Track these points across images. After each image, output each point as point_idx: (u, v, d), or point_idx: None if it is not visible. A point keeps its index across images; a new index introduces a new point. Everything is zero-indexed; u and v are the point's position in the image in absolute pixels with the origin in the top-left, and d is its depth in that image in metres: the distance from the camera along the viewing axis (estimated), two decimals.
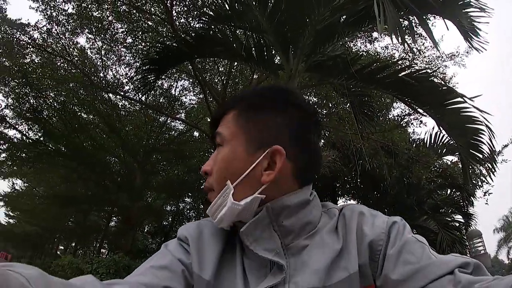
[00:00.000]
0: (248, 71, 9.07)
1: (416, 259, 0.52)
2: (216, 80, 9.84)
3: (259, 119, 0.62)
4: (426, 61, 9.32)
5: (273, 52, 5.09)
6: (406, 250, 0.54)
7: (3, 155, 12.45)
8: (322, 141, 8.32)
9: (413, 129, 10.75)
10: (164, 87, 10.31)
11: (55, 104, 10.18)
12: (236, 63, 8.43)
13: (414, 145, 9.04)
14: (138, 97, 9.24)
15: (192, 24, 8.07)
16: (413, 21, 4.35)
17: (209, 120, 9.20)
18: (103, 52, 9.63)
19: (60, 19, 8.97)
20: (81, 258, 11.08)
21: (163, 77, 6.66)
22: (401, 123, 9.59)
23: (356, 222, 0.61)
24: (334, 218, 0.65)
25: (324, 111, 9.33)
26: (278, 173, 0.58)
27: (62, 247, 22.38)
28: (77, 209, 14.09)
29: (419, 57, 9.09)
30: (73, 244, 19.59)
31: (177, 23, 7.92)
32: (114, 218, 16.05)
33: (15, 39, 9.31)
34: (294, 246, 0.60)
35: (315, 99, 9.50)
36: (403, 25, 4.23)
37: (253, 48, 4.85)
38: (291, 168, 0.60)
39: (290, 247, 0.60)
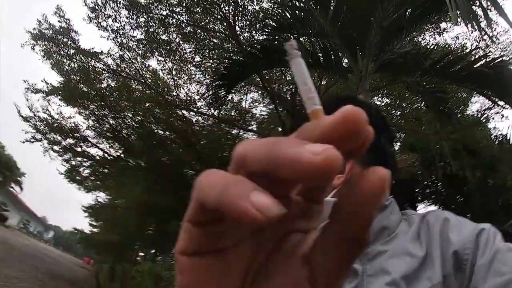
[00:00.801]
0: (316, 77, 9.16)
1: (509, 269, 0.48)
2: (285, 90, 10.03)
3: None
4: (500, 48, 8.55)
5: (340, 55, 5.09)
6: (498, 260, 0.50)
7: (87, 171, 14.05)
8: (398, 144, 8.01)
9: (495, 125, 9.85)
10: (235, 101, 10.75)
11: (133, 123, 11.16)
12: None
13: (496, 142, 8.28)
14: (210, 112, 9.76)
15: (256, 37, 8.40)
16: (485, 4, 4.06)
17: (280, 130, 9.35)
18: (174, 72, 10.35)
19: (131, 45, 9.89)
20: (160, 265, 11.82)
21: (233, 91, 7.02)
22: (481, 119, 8.86)
23: (440, 229, 0.58)
24: (415, 225, 0.62)
25: (398, 112, 8.99)
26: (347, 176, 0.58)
27: (142, 254, 24.04)
28: (157, 219, 15.12)
29: (492, 45, 8.39)
30: (153, 251, 20.90)
31: (241, 38, 8.30)
32: None
33: (91, 66, 10.40)
34: (371, 251, 0.59)
35: (387, 100, 9.22)
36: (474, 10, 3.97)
37: (320, 54, 4.90)
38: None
39: (366, 252, 0.59)
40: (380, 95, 8.70)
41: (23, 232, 43.38)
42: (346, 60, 5.32)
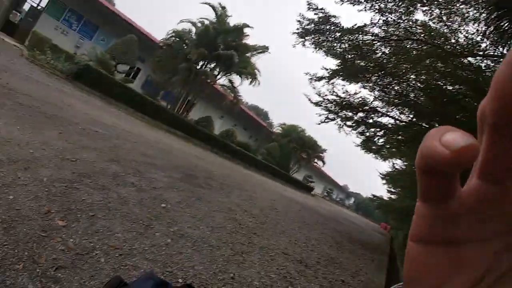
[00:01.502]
0: None
1: None
2: None
3: None
4: None
5: None
6: None
7: (381, 140, 14.88)
8: None
9: None
10: None
11: (418, 84, 10.95)
12: None
13: None
14: (499, 52, 8.27)
15: None
16: None
17: None
18: (444, 18, 9.41)
19: (390, 7, 9.69)
20: None
21: None
22: None
23: None
24: None
25: None
26: None
27: None
28: None
29: None
30: None
31: None
32: None
33: (360, 41, 10.88)
34: None
35: None
36: None
37: None
38: None
39: None
40: None
41: (327, 199, 51.58)
42: None
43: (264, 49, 21.50)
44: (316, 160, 38.01)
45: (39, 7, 19.85)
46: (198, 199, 5.70)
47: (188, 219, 4.44)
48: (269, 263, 4.28)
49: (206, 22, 20.42)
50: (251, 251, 4.40)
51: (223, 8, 20.50)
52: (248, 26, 20.45)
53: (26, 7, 21.14)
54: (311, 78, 13.72)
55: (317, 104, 14.33)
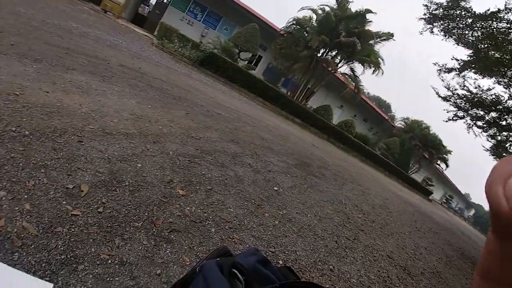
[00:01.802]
0: None
1: None
2: None
3: None
4: None
5: None
6: None
7: None
8: None
9: None
10: None
11: None
12: None
13: None
14: None
15: None
16: None
17: None
18: None
19: None
20: None
21: None
22: None
23: None
24: None
25: None
26: None
27: None
28: None
29: None
30: None
31: None
32: None
33: (494, 29, 9.33)
34: None
35: None
36: None
37: None
38: None
39: None
40: None
41: (445, 206, 45.98)
42: None
43: (388, 36, 20.09)
44: (438, 162, 34.29)
45: (165, 1, 22.31)
46: (309, 187, 5.75)
47: (298, 205, 4.52)
48: (371, 263, 4.09)
49: (327, 8, 20.00)
50: (355, 248, 4.27)
51: None
52: (371, 11, 19.30)
53: (153, 1, 24.05)
54: (440, 69, 12.44)
55: (445, 99, 12.98)
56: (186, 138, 4.48)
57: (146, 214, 2.52)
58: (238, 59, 18.17)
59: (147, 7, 22.83)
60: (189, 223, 2.67)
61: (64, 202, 2.18)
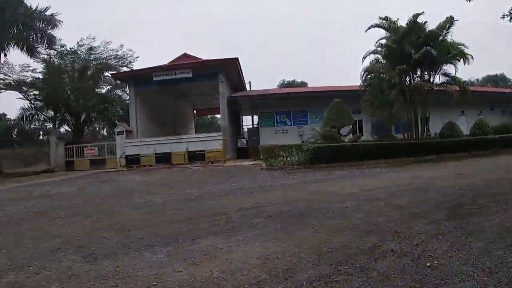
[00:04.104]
0: None
1: None
2: None
3: None
4: None
5: None
6: None
7: None
8: None
9: None
10: None
11: None
12: None
13: None
14: None
15: None
16: None
17: None
18: None
19: None
20: None
21: None
22: None
23: None
24: None
25: None
26: None
27: None
28: None
29: None
30: None
31: None
32: None
33: None
34: None
35: None
36: None
37: None
38: None
39: None
40: None
41: None
42: None
43: (449, 21, 18.67)
44: None
45: (255, 126, 24.87)
46: (468, 234, 4.82)
47: (461, 273, 3.69)
48: None
49: (383, 42, 19.86)
50: None
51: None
52: (418, 14, 18.40)
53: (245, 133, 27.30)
54: None
55: None
56: (318, 257, 4.29)
57: None
58: (341, 137, 18.65)
59: (243, 139, 25.82)
60: None
61: None
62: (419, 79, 19.60)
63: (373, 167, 14.54)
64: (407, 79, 19.79)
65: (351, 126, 20.34)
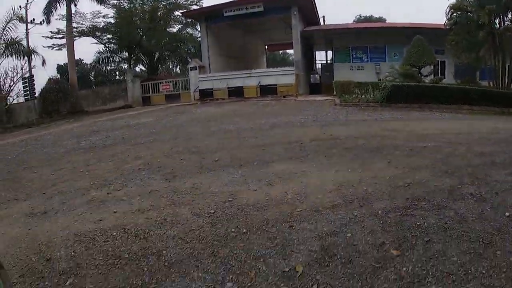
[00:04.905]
0: None
1: None
2: None
3: None
4: None
5: None
6: None
7: None
8: None
9: None
10: None
11: None
12: None
13: None
14: None
15: None
16: None
17: None
18: None
19: None
20: None
21: None
22: None
23: None
24: None
25: None
26: None
27: None
28: None
29: None
30: None
31: None
32: None
33: None
34: None
35: None
36: None
37: None
38: None
39: None
40: None
41: None
42: None
43: None
44: None
45: (329, 62, 23.65)
46: None
47: None
48: None
49: None
50: None
51: None
52: None
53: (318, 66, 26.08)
54: None
55: None
56: (394, 190, 4.24)
57: (360, 284, 2.45)
58: (422, 77, 17.38)
59: (316, 74, 25.23)
60: (406, 285, 2.40)
61: (282, 284, 2.41)
62: (509, 23, 17.35)
63: (456, 111, 13.42)
64: (497, 21, 17.59)
65: (432, 66, 18.71)
